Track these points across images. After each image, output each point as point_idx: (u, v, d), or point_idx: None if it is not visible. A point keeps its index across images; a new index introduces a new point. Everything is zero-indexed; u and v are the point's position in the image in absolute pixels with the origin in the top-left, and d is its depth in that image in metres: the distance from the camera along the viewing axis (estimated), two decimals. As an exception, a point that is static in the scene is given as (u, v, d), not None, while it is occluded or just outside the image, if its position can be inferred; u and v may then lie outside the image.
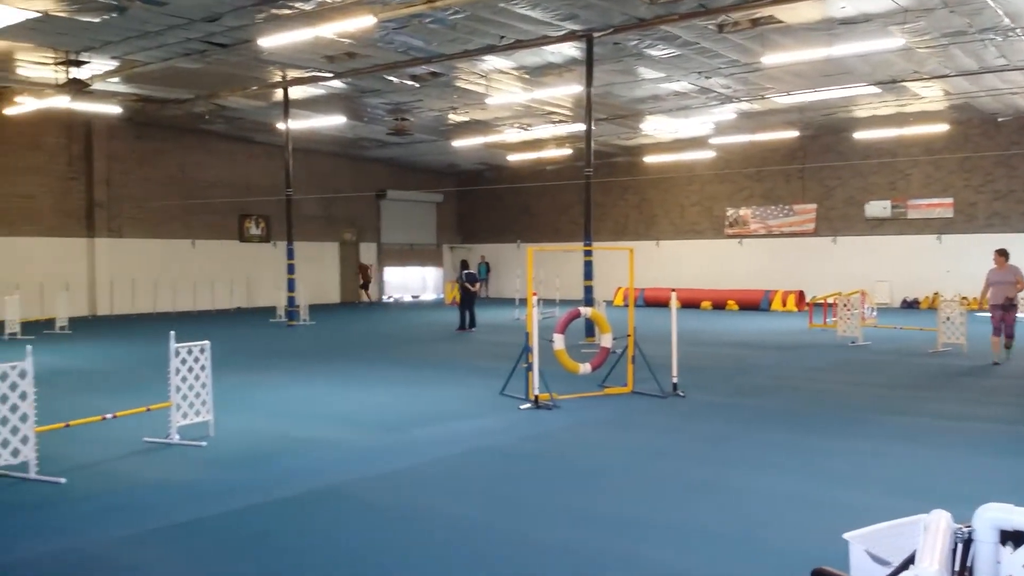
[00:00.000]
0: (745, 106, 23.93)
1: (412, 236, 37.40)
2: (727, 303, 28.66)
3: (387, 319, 21.05)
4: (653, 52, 18.09)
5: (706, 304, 28.90)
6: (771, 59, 17.62)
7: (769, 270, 30.04)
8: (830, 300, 21.14)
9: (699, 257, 31.85)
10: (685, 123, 26.48)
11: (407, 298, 36.66)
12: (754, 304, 28.26)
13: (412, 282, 37.68)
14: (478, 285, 21.19)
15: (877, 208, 28.27)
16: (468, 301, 20.61)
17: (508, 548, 5.26)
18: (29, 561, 5.02)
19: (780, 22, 15.86)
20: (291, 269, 23.43)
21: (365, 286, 33.60)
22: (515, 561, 5.04)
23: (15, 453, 6.72)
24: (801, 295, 27.99)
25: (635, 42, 17.39)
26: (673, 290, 11.86)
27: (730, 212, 31.52)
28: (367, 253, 34.93)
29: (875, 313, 21.90)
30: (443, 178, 37.91)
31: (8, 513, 5.99)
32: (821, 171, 29.24)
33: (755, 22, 15.93)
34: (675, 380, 10.96)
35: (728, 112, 24.81)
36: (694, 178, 32.19)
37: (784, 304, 27.87)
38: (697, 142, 29.70)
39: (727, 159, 31.04)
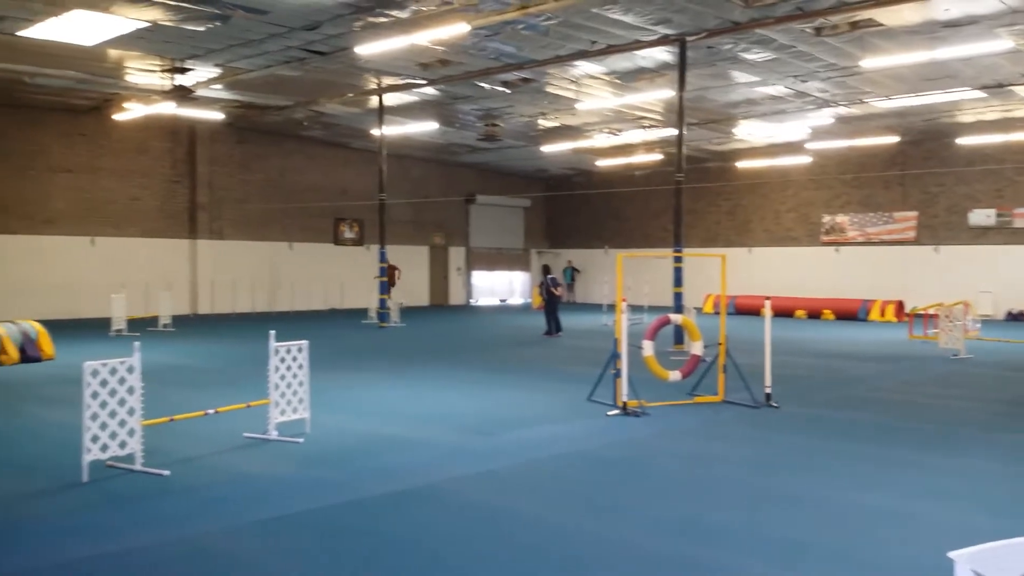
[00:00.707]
0: (843, 111, 23.32)
1: (500, 240, 37.65)
2: (822, 312, 27.96)
3: (475, 322, 21.28)
4: (748, 56, 17.81)
5: (800, 313, 28.27)
6: (871, 63, 17.14)
7: (867, 279, 29.16)
8: (931, 311, 20.42)
9: (793, 265, 31.14)
10: (780, 128, 25.96)
11: (490, 302, 36.90)
12: (851, 314, 27.49)
13: (499, 286, 37.92)
14: (560, 289, 21.12)
15: (981, 216, 27.15)
16: (552, 306, 20.62)
17: (598, 555, 5.26)
18: (137, 550, 5.25)
19: (880, 25, 15.41)
20: (383, 272, 23.87)
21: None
22: (604, 568, 5.04)
23: (123, 445, 7.02)
24: (900, 305, 27.10)
25: (729, 46, 17.16)
26: (767, 298, 11.64)
27: (826, 219, 30.74)
28: (456, 257, 35.33)
29: (978, 325, 21.03)
30: (531, 183, 38.05)
31: (116, 503, 6.26)
32: (923, 177, 28.25)
33: (854, 25, 15.52)
34: (768, 390, 10.76)
35: (825, 117, 24.23)
36: (789, 184, 31.51)
37: (882, 314, 27.03)
38: (792, 147, 29.07)
39: (823, 164, 30.29)
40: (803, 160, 29.66)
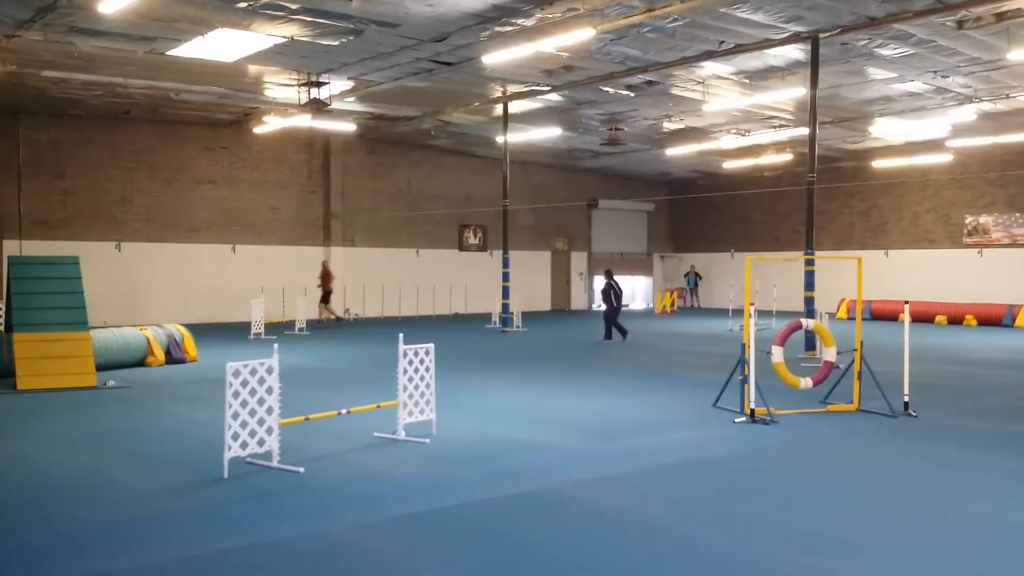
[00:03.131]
0: (987, 106, 22.07)
1: (622, 245, 37.39)
2: (964, 318, 26.50)
3: (597, 327, 21.21)
4: (884, 52, 17.10)
5: (940, 318, 26.89)
6: (1018, 55, 16.17)
7: (1013, 283, 27.44)
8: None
9: (933, 268, 29.64)
10: (919, 125, 24.78)
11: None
12: (995, 319, 25.95)
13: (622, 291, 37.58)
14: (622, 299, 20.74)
15: None
16: (614, 312, 20.29)
17: (724, 566, 5.16)
18: (274, 544, 5.48)
19: (1030, 14, 14.53)
20: (506, 277, 24.12)
21: (326, 297, 25.10)
22: (734, 576, 4.95)
23: (261, 443, 7.34)
24: (1052, 311, 25.42)
25: (864, 42, 16.52)
26: (906, 302, 11.13)
27: (969, 220, 29.14)
28: (578, 262, 35.30)
29: None
30: (655, 187, 37.65)
31: (255, 498, 6.56)
32: (1078, 175, 26.43)
33: (1000, 16, 14.68)
34: (906, 399, 10.30)
35: (967, 113, 22.98)
36: (928, 183, 30.05)
37: (1032, 320, 25.44)
38: (932, 145, 27.69)
39: (965, 163, 28.73)
40: (943, 158, 28.19)
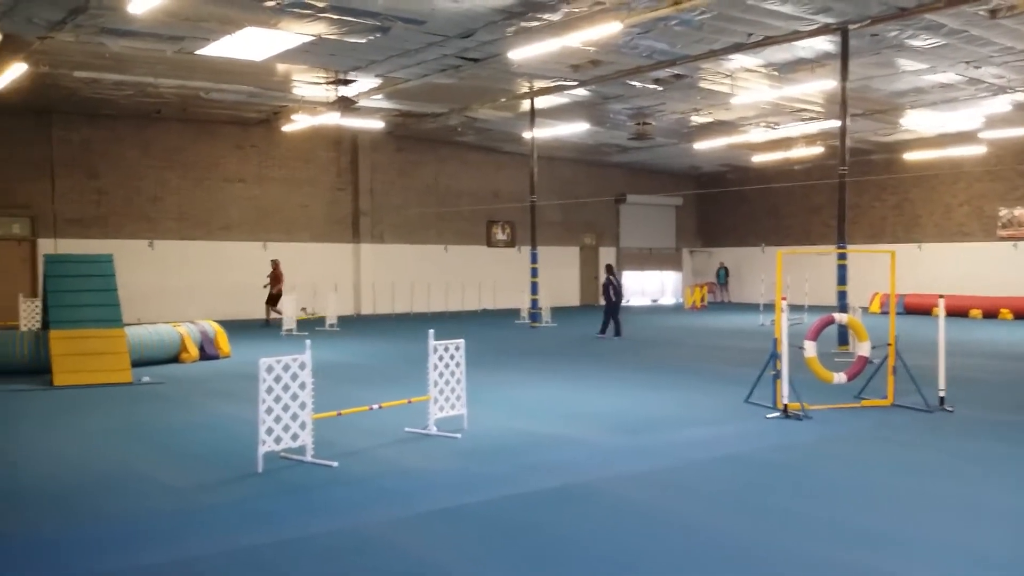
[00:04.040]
0: (1021, 97, 21.71)
1: (651, 240, 37.25)
2: (999, 312, 26.13)
3: (626, 323, 21.13)
4: (915, 43, 16.87)
5: (975, 312, 26.53)
6: (1056, 42, 15.88)
7: (1051, 276, 27.04)
8: None
9: (967, 261, 29.21)
10: (951, 117, 24.43)
11: (640, 302, 36.54)
12: (1032, 313, 25.58)
13: (650, 286, 37.52)
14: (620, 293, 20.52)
15: None
16: (614, 307, 20.14)
17: (758, 561, 5.13)
18: (309, 538, 5.52)
19: (1068, 1, 14.26)
20: (534, 273, 24.11)
21: (274, 299, 22.85)
22: (771, 573, 4.91)
23: (295, 437, 7.40)
24: (1091, 304, 24.97)
25: (895, 33, 16.31)
26: (940, 296, 10.99)
27: (1003, 212, 28.69)
28: (606, 257, 35.21)
29: None
30: (683, 181, 37.45)
31: (289, 492, 6.61)
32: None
33: (1036, 3, 14.44)
34: (942, 393, 10.16)
35: (1002, 104, 22.61)
36: (961, 176, 29.62)
37: (1070, 314, 25.01)
38: (965, 137, 27.28)
39: (999, 155, 28.27)
40: (977, 150, 27.77)
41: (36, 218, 23.23)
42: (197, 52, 16.91)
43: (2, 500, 6.50)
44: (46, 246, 22.76)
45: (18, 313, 18.95)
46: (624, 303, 20.46)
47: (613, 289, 20.22)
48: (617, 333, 19.96)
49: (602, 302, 21.14)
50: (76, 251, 20.76)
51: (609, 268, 21.12)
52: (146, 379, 12.79)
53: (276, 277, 22.82)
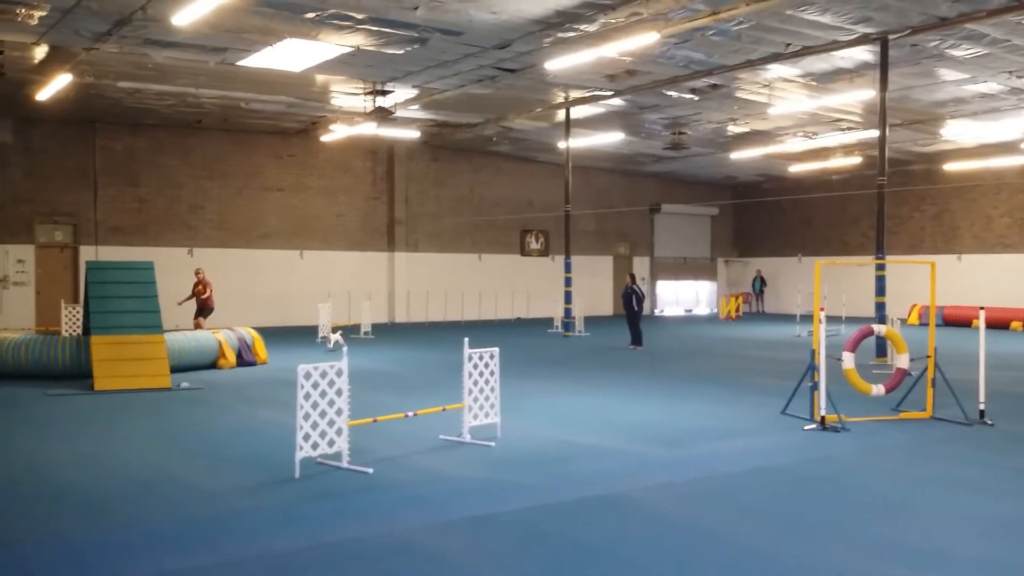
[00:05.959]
0: (1067, 106, 21.35)
1: (685, 250, 37.07)
2: (1043, 325, 25.68)
3: (660, 333, 21.05)
4: (956, 52, 16.66)
5: (1016, 325, 26.07)
6: (1101, 51, 15.60)
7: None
8: None
9: (1008, 273, 28.70)
10: (993, 127, 24.06)
11: (675, 312, 36.33)
12: (1077, 327, 25.08)
13: (684, 296, 37.32)
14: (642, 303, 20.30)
15: None
16: (634, 317, 19.95)
17: (798, 574, 5.08)
18: (343, 543, 5.58)
19: (1114, 9, 14.00)
20: (568, 282, 24.10)
21: (203, 311, 19.58)
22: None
23: (331, 444, 7.46)
24: None
25: (935, 43, 16.12)
26: (981, 308, 10.83)
27: (1047, 224, 28.18)
28: (640, 267, 35.09)
29: None
30: (719, 191, 37.24)
31: (325, 498, 6.67)
32: None
33: (1081, 12, 14.19)
34: (982, 407, 10.01)
35: (1046, 113, 22.26)
36: (1003, 186, 29.15)
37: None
38: (1006, 147, 26.84)
39: (1043, 165, 27.80)
40: (1018, 161, 27.32)
41: (78, 225, 23.69)
42: (238, 63, 17.18)
43: (41, 503, 6.63)
44: (87, 253, 23.19)
45: (60, 319, 19.29)
46: (642, 313, 20.26)
47: (636, 298, 20.09)
48: (637, 342, 19.80)
49: (623, 311, 20.94)
50: (116, 258, 21.08)
51: (632, 277, 20.86)
52: (185, 384, 12.97)
53: (201, 287, 19.42)
